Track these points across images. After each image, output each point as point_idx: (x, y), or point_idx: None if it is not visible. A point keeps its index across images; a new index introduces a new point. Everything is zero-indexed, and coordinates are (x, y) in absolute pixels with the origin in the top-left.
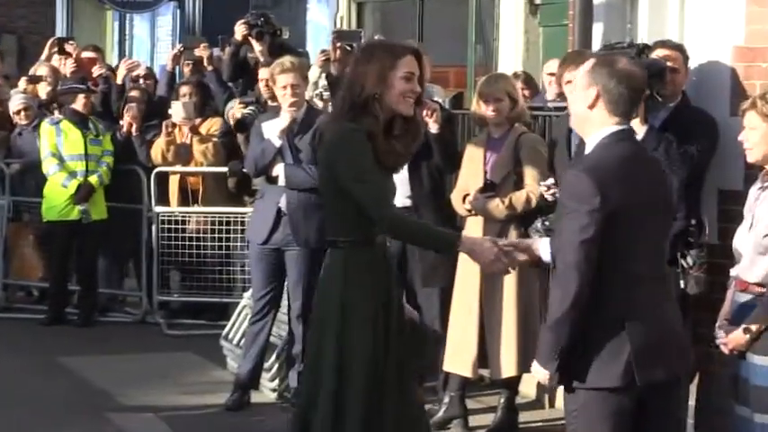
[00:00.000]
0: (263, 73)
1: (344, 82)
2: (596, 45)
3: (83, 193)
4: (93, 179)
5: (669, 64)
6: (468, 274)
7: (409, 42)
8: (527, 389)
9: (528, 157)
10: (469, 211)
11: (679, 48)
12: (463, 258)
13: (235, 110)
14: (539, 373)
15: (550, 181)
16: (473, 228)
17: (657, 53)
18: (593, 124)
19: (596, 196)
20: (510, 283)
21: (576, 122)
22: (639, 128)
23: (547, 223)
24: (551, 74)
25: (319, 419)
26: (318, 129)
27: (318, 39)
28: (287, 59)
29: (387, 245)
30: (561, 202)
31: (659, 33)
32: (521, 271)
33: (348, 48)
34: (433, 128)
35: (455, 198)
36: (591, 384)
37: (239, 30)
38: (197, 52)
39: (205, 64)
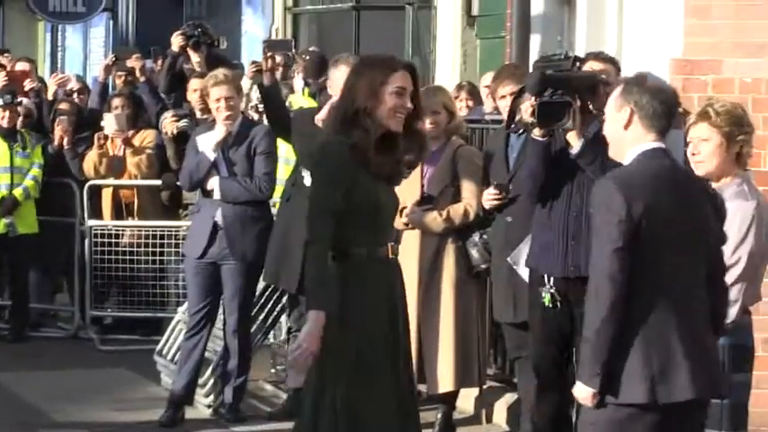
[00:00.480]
0: (194, 84)
1: (339, 94)
2: (534, 58)
3: (6, 207)
4: (17, 192)
5: (602, 77)
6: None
7: (403, 58)
8: (465, 404)
9: (465, 170)
10: (406, 224)
11: (611, 61)
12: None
13: (167, 122)
14: (581, 393)
15: (491, 190)
16: (410, 241)
17: (590, 66)
18: (630, 143)
19: (624, 208)
20: (447, 295)
21: (612, 148)
22: (576, 142)
23: (485, 237)
24: (488, 86)
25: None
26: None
27: (254, 50)
28: (220, 72)
29: (383, 255)
30: (590, 211)
31: (597, 45)
32: (459, 283)
33: (280, 57)
34: None
35: None
36: (619, 400)
37: (176, 41)
38: (129, 63)
39: (137, 75)
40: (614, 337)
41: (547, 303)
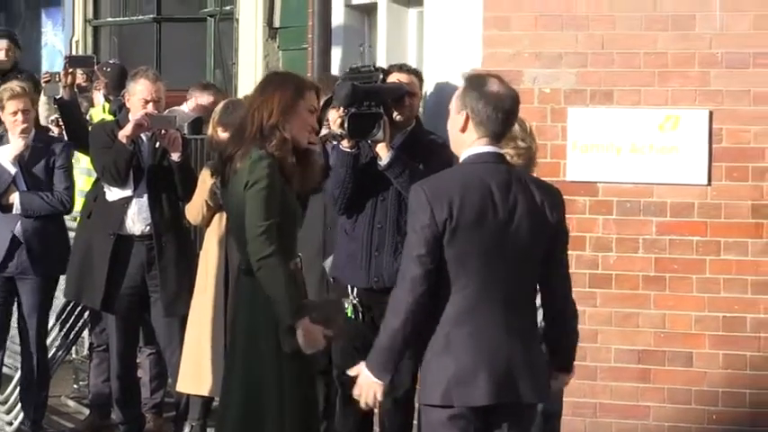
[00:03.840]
0: None
1: (250, 106)
2: (335, 68)
3: None
4: None
5: (408, 88)
6: (206, 287)
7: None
8: None
9: None
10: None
11: (415, 72)
12: (201, 270)
13: None
14: (368, 382)
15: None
16: (212, 247)
17: (396, 77)
18: (465, 145)
19: (427, 212)
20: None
21: (452, 146)
22: (385, 153)
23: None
24: None
25: None
26: (223, 154)
27: (54, 62)
28: (16, 85)
29: (294, 269)
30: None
31: (399, 56)
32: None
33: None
34: (174, 156)
35: (191, 206)
36: (425, 401)
37: None
38: None
39: None
40: (407, 340)
41: (349, 315)
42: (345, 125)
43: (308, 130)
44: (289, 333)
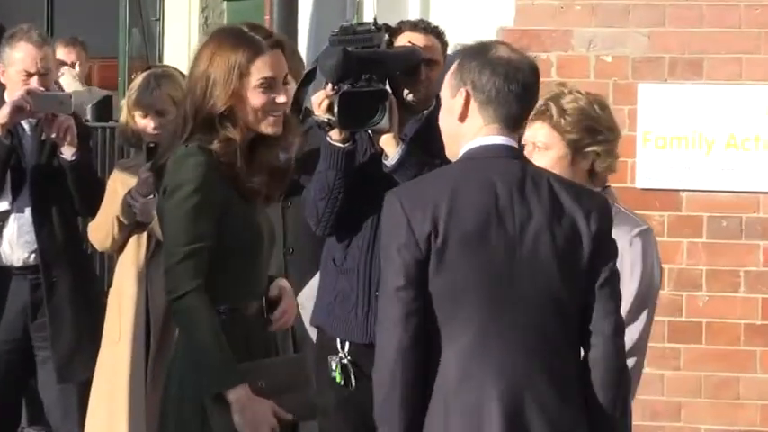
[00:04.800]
0: None
1: (186, 87)
2: (304, 27)
3: None
4: None
5: (425, 54)
6: (119, 337)
7: (267, 32)
8: None
9: None
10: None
11: (435, 32)
12: (112, 313)
13: None
14: None
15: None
16: (126, 287)
17: (407, 39)
18: (466, 139)
19: (405, 229)
20: None
21: (447, 149)
22: (393, 148)
23: None
24: None
25: None
26: (157, 152)
27: None
28: None
29: (255, 312)
30: None
31: (393, 9)
32: None
33: None
34: (67, 152)
35: (96, 227)
36: None
37: None
38: None
39: None
40: (404, 407)
41: (338, 380)
42: (335, 109)
43: (269, 114)
44: (217, 405)
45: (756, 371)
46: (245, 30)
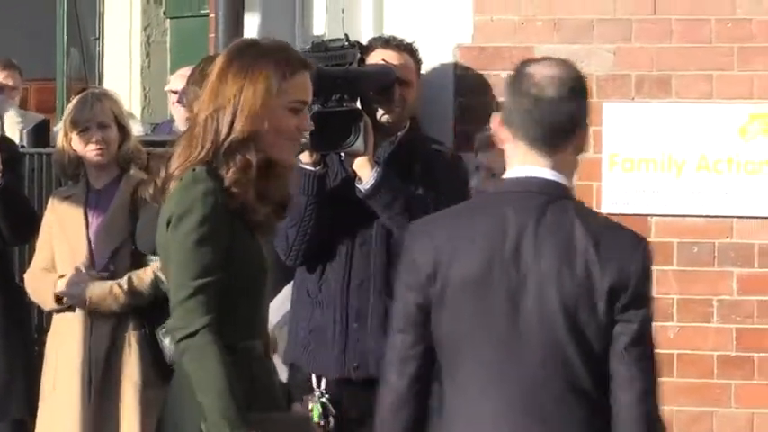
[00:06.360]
0: None
1: (202, 104)
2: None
3: None
4: None
5: (399, 73)
6: (56, 383)
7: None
8: None
9: (153, 219)
10: (60, 300)
11: (409, 49)
12: (49, 360)
13: None
14: None
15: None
16: (65, 330)
17: (380, 56)
18: (510, 164)
19: (408, 264)
20: (129, 408)
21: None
22: (367, 172)
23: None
24: (174, 91)
25: None
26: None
27: None
28: None
29: (260, 353)
30: None
31: (350, 26)
32: (145, 389)
33: None
34: None
35: (35, 279)
36: None
37: None
38: None
39: None
40: None
41: (316, 419)
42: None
43: (294, 140)
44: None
45: (731, 405)
46: (281, 45)
